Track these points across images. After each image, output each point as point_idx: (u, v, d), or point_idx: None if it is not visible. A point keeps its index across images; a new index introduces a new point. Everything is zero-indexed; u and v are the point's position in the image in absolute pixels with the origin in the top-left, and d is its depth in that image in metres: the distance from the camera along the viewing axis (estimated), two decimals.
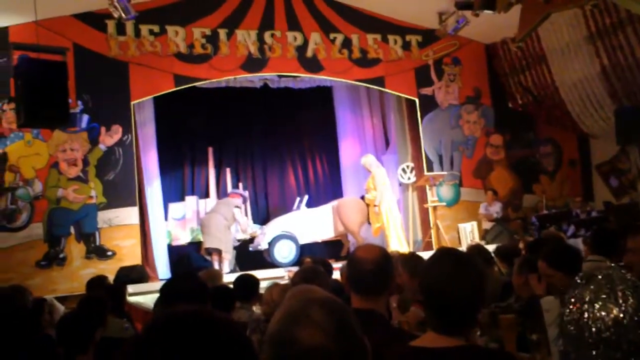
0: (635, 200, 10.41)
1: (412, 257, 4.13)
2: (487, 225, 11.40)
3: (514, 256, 4.89)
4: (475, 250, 5.08)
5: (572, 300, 1.48)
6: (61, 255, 9.49)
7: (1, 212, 9.23)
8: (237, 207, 10.72)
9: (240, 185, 12.82)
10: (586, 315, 1.42)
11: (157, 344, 0.91)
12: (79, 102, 9.78)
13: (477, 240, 10.81)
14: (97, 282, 5.74)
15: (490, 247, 6.81)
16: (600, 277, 1.46)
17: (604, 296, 1.42)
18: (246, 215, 11.56)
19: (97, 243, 9.72)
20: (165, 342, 0.91)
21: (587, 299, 1.44)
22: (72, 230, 9.61)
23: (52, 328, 4.65)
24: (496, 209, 11.45)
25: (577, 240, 8.99)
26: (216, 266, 10.12)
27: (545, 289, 3.16)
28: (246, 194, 11.60)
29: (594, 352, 1.39)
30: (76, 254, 9.57)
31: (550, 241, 5.12)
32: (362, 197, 11.68)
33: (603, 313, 1.39)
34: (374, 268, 2.36)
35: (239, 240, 11.11)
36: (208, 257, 10.58)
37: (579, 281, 1.51)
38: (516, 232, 10.96)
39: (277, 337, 1.27)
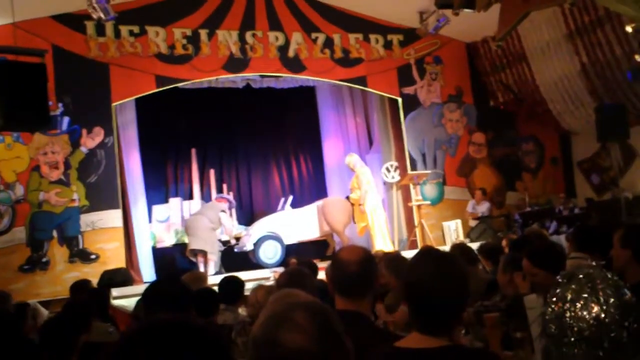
0: (617, 197, 10.52)
1: (395, 258, 4.14)
2: (472, 223, 11.48)
3: (498, 254, 4.92)
4: (459, 249, 5.10)
5: (554, 299, 1.49)
6: (44, 259, 9.40)
7: None
8: (223, 211, 10.68)
9: (225, 186, 12.78)
10: (568, 314, 1.43)
11: (135, 354, 0.91)
12: (60, 105, 9.68)
13: (461, 238, 10.88)
14: (80, 286, 5.69)
15: (475, 245, 6.85)
16: (581, 276, 1.47)
17: (585, 295, 1.43)
18: (232, 220, 11.49)
19: (81, 246, 9.64)
20: (143, 352, 0.90)
21: (568, 298, 1.45)
22: (54, 233, 9.53)
23: (35, 333, 4.61)
24: (483, 208, 11.53)
25: (560, 237, 9.09)
26: (201, 268, 10.08)
27: (529, 287, 3.18)
28: (232, 199, 11.54)
29: (575, 351, 1.40)
30: (59, 258, 9.49)
31: (534, 239, 5.16)
32: (347, 197, 11.70)
33: (584, 312, 1.40)
34: (358, 269, 2.36)
35: (224, 244, 11.06)
36: (193, 259, 10.53)
37: (560, 280, 1.52)
38: (500, 230, 11.04)
39: (261, 340, 1.28)
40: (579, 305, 1.42)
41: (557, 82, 11.29)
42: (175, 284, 2.86)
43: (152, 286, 2.90)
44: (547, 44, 10.96)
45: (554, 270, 2.88)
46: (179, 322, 0.96)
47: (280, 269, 8.63)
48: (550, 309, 1.47)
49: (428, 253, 2.20)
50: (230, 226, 10.92)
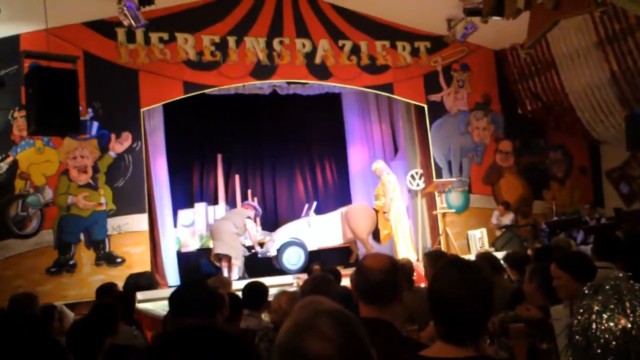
0: None
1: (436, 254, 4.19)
2: (497, 232, 11.37)
3: (524, 263, 4.86)
4: (484, 258, 5.05)
5: (581, 310, 1.47)
6: (71, 262, 9.54)
7: (12, 219, 9.29)
8: (248, 217, 10.71)
9: (250, 192, 12.84)
10: (594, 325, 1.41)
11: (166, 358, 0.92)
12: (89, 110, 9.84)
13: (486, 247, 10.78)
14: (106, 289, 5.74)
15: (500, 254, 6.79)
16: (608, 287, 1.45)
17: (612, 307, 1.41)
18: (257, 228, 11.50)
19: (107, 250, 9.76)
20: (174, 355, 0.92)
21: (595, 310, 1.44)
22: (82, 237, 9.66)
23: (61, 335, 4.67)
24: (507, 220, 11.42)
25: (587, 247, 8.95)
26: (225, 273, 10.12)
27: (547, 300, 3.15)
28: (259, 207, 11.55)
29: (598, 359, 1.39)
30: (86, 261, 9.62)
31: (559, 247, 5.11)
32: (374, 208, 11.66)
33: (611, 324, 1.39)
34: (383, 277, 2.35)
35: (248, 250, 11.09)
36: (217, 264, 10.58)
37: (587, 292, 1.50)
38: (526, 239, 10.92)
39: (285, 347, 1.28)
40: (605, 316, 1.41)
41: (586, 90, 11.15)
42: (202, 289, 2.87)
43: (179, 292, 2.92)
44: (576, 51, 10.84)
45: (578, 277, 2.85)
46: (206, 327, 0.97)
47: (304, 275, 8.64)
48: (576, 320, 1.45)
49: (453, 262, 2.19)
50: (254, 233, 10.95)
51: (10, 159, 9.31)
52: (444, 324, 1.93)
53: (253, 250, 11.18)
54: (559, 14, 6.58)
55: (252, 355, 0.97)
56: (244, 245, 10.84)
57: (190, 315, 2.48)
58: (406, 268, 4.25)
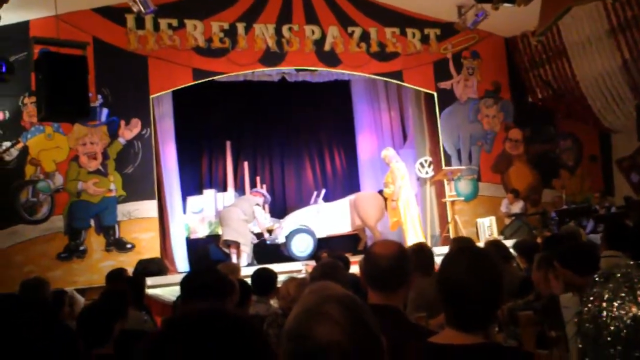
0: None
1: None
2: (506, 220, 11.34)
3: (533, 252, 4.84)
4: (493, 246, 5.05)
5: (590, 298, 1.47)
6: (81, 248, 9.60)
7: (22, 205, 9.35)
8: (257, 205, 10.74)
9: (258, 179, 12.86)
10: (604, 313, 1.40)
11: (175, 341, 0.93)
12: (99, 96, 9.86)
13: (495, 235, 10.75)
14: (116, 275, 5.79)
15: (509, 242, 6.77)
16: (619, 275, 1.44)
17: (622, 294, 1.40)
18: (265, 214, 11.52)
19: (117, 236, 9.82)
20: (183, 339, 0.92)
21: (605, 297, 1.43)
22: (92, 223, 9.72)
23: (72, 320, 4.71)
24: (516, 208, 11.38)
25: (597, 236, 8.92)
26: (234, 259, 10.16)
27: (562, 287, 3.14)
28: (267, 194, 11.56)
29: (612, 351, 1.38)
30: (96, 247, 9.68)
31: (567, 238, 5.08)
32: (380, 192, 11.66)
33: (622, 312, 1.38)
34: (391, 264, 2.35)
35: (257, 237, 11.12)
36: (226, 250, 10.63)
37: (597, 279, 1.49)
38: (535, 227, 10.89)
39: (294, 332, 1.28)
40: (616, 304, 1.40)
41: (597, 79, 11.06)
42: (213, 274, 2.89)
43: (190, 277, 2.94)
44: (588, 39, 10.74)
45: (582, 271, 2.84)
46: (216, 311, 0.98)
47: (312, 262, 8.66)
48: (586, 308, 1.44)
49: (462, 249, 2.19)
50: (263, 220, 10.96)
51: (20, 145, 9.36)
52: (453, 311, 1.94)
53: (261, 238, 11.21)
54: (572, 0, 6.52)
55: (261, 339, 0.98)
56: (252, 232, 10.87)
57: (201, 300, 2.49)
58: (425, 252, 4.18)
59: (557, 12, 6.80)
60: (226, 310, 0.99)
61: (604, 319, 1.40)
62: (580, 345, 1.50)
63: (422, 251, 4.16)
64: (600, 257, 3.52)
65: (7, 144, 9.14)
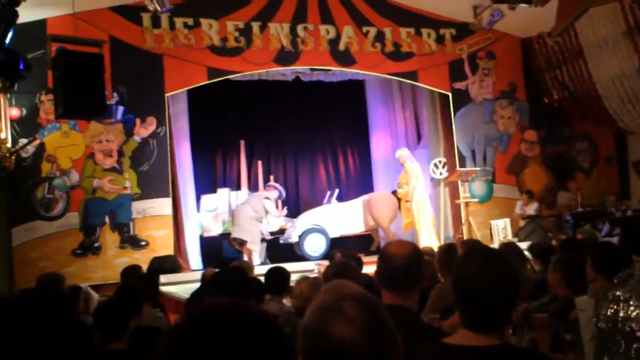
0: None
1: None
2: (521, 222, 11.27)
3: (549, 254, 4.81)
4: (507, 247, 5.02)
5: (609, 298, 1.47)
6: (96, 244, 9.67)
7: (38, 201, 9.44)
8: (267, 198, 10.74)
9: (272, 178, 12.87)
10: (621, 314, 1.41)
11: (199, 334, 0.93)
12: (115, 94, 9.92)
13: (509, 237, 10.69)
14: (131, 271, 5.82)
15: (523, 245, 6.74)
16: (638, 277, 1.44)
17: (639, 296, 1.40)
18: (280, 208, 11.48)
19: (131, 233, 9.88)
20: (207, 332, 0.93)
21: (622, 299, 1.43)
22: (107, 219, 9.79)
23: (87, 315, 4.75)
24: (531, 210, 11.30)
25: (612, 239, 8.85)
26: (245, 257, 10.19)
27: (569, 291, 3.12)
28: (282, 189, 11.53)
29: (624, 348, 1.38)
30: (111, 243, 9.74)
31: (588, 242, 5.04)
32: (393, 192, 11.63)
33: (637, 312, 1.38)
34: (406, 264, 2.35)
35: (271, 235, 11.12)
36: (238, 248, 10.66)
37: (616, 282, 1.50)
38: (550, 230, 10.81)
39: (311, 330, 1.29)
40: (632, 306, 1.40)
41: (614, 80, 10.97)
42: (236, 273, 2.91)
43: (215, 275, 2.97)
44: (605, 40, 10.65)
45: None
46: (239, 306, 0.98)
47: (325, 262, 8.66)
48: (603, 309, 1.44)
49: (477, 250, 2.18)
50: (273, 211, 10.85)
51: (37, 142, 9.43)
52: (468, 312, 1.93)
53: (274, 236, 11.21)
54: (589, 1, 6.47)
55: (282, 336, 0.98)
56: (262, 231, 10.84)
57: (225, 296, 2.52)
58: (454, 252, 4.16)
59: (575, 13, 6.75)
60: (249, 306, 0.99)
61: (620, 319, 1.40)
62: (595, 344, 1.50)
63: (451, 251, 4.16)
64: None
65: (23, 141, 9.22)
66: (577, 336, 2.58)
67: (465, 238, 11.04)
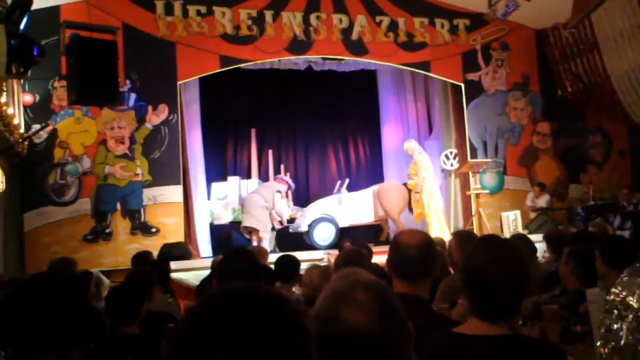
0: None
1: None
2: (532, 214, 11.22)
3: (562, 244, 4.77)
4: (518, 239, 5.00)
5: (618, 289, 1.48)
6: (107, 231, 9.74)
7: (50, 187, 9.51)
8: (278, 191, 10.74)
9: (282, 167, 12.88)
10: (624, 304, 1.42)
11: (216, 316, 0.94)
12: (127, 81, 9.95)
13: (519, 229, 10.65)
14: (141, 257, 5.86)
15: (533, 237, 6.70)
16: None
17: None
18: (288, 203, 11.51)
19: (142, 219, 9.94)
20: (224, 314, 0.93)
21: (627, 290, 1.44)
22: (118, 206, 9.85)
23: (97, 300, 4.80)
24: (542, 202, 11.24)
25: (624, 232, 8.81)
26: (255, 244, 10.20)
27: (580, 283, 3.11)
28: (292, 183, 11.54)
29: (621, 334, 1.39)
30: (122, 230, 9.81)
31: (601, 235, 5.01)
32: (404, 183, 11.61)
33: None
34: (417, 253, 2.35)
35: (280, 224, 11.13)
36: (247, 236, 10.69)
37: (624, 273, 1.50)
38: (561, 222, 10.75)
39: (323, 316, 1.30)
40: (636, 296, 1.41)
41: (629, 73, 10.86)
42: (247, 258, 2.93)
43: (225, 260, 2.98)
44: (620, 33, 10.54)
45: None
46: (255, 289, 0.99)
47: (334, 251, 8.68)
48: (613, 295, 1.45)
49: (488, 239, 2.18)
50: (280, 208, 10.88)
51: (49, 128, 9.48)
52: (478, 302, 1.93)
53: (283, 226, 11.22)
54: None
55: (299, 317, 0.99)
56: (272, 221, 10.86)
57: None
58: (474, 241, 4.17)
59: (591, 4, 6.69)
60: (265, 288, 1.00)
61: (631, 303, 1.41)
62: (604, 329, 1.50)
63: (472, 240, 4.15)
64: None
65: (36, 126, 9.26)
66: (588, 328, 2.57)
67: (475, 230, 11.04)
